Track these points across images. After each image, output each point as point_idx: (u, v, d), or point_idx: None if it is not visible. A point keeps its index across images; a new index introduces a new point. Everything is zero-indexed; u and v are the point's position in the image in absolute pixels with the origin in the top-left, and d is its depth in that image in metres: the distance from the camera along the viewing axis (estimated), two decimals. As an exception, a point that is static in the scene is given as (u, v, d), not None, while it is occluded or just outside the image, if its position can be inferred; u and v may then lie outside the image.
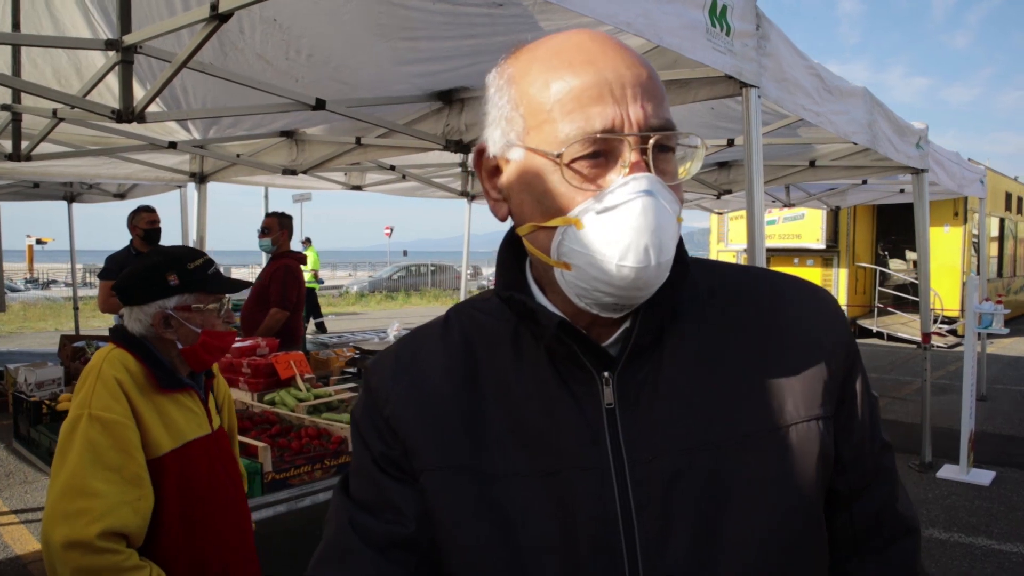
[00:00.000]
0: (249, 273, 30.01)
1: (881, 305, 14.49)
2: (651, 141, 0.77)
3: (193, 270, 1.98)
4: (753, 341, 0.87)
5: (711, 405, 0.84)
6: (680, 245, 0.86)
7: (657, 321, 0.85)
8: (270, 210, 6.03)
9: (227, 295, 2.08)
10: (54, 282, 34.00)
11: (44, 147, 4.48)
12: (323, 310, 15.78)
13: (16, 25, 3.20)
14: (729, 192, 7.85)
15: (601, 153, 0.78)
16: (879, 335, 13.78)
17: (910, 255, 15.75)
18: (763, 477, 0.82)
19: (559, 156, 0.78)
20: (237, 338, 4.56)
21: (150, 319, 1.95)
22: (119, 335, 1.97)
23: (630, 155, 0.77)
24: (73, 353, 5.48)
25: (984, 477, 5.55)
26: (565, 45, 0.81)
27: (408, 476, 0.88)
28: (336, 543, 0.90)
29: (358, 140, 4.83)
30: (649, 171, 0.77)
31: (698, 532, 0.80)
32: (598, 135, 0.76)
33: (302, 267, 5.55)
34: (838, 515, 0.92)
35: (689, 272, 0.87)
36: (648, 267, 0.77)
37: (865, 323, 14.12)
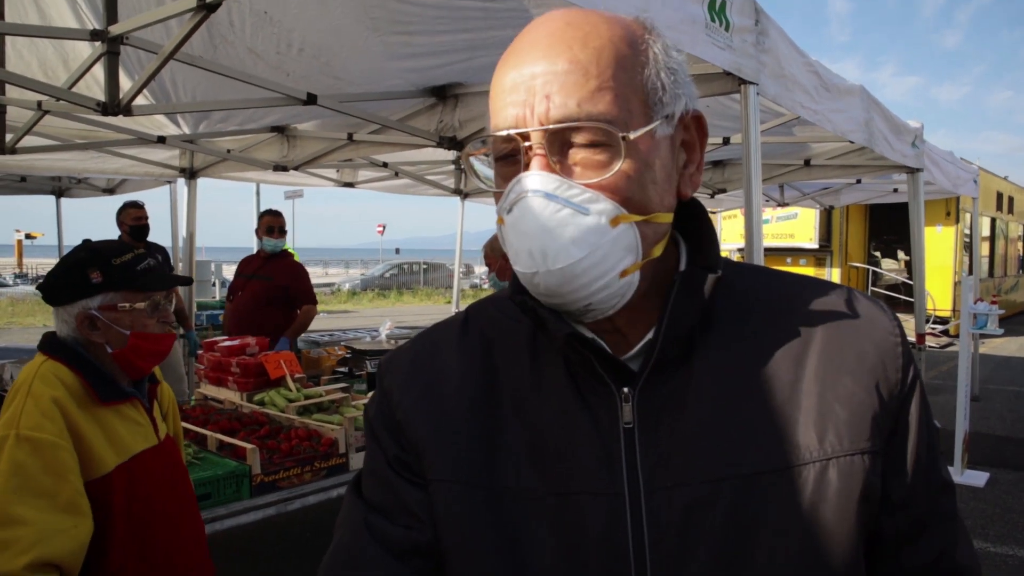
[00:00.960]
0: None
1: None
2: (537, 138, 0.72)
3: (120, 266, 1.80)
4: (795, 360, 0.78)
5: (742, 430, 0.76)
6: (710, 248, 0.81)
7: (681, 333, 0.77)
8: (263, 208, 6.06)
9: (164, 292, 1.90)
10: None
11: (31, 140, 4.41)
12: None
13: (0, 15, 3.14)
14: (724, 191, 7.81)
15: (516, 152, 0.74)
16: (871, 335, 13.79)
17: (902, 255, 15.79)
18: (795, 515, 0.74)
19: (491, 155, 0.77)
20: (228, 337, 4.51)
21: (74, 320, 1.77)
22: (50, 344, 1.79)
23: (528, 153, 0.73)
24: (60, 350, 5.40)
25: (979, 479, 5.54)
26: (522, 35, 0.77)
27: (423, 480, 0.84)
28: (351, 547, 0.85)
29: (350, 136, 4.77)
30: (547, 169, 0.72)
31: (717, 570, 0.73)
32: (502, 133, 0.74)
33: None
34: (884, 563, 0.82)
35: (721, 280, 0.80)
36: (538, 273, 0.72)
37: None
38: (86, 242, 1.92)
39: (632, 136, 0.72)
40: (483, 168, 0.81)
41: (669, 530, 0.74)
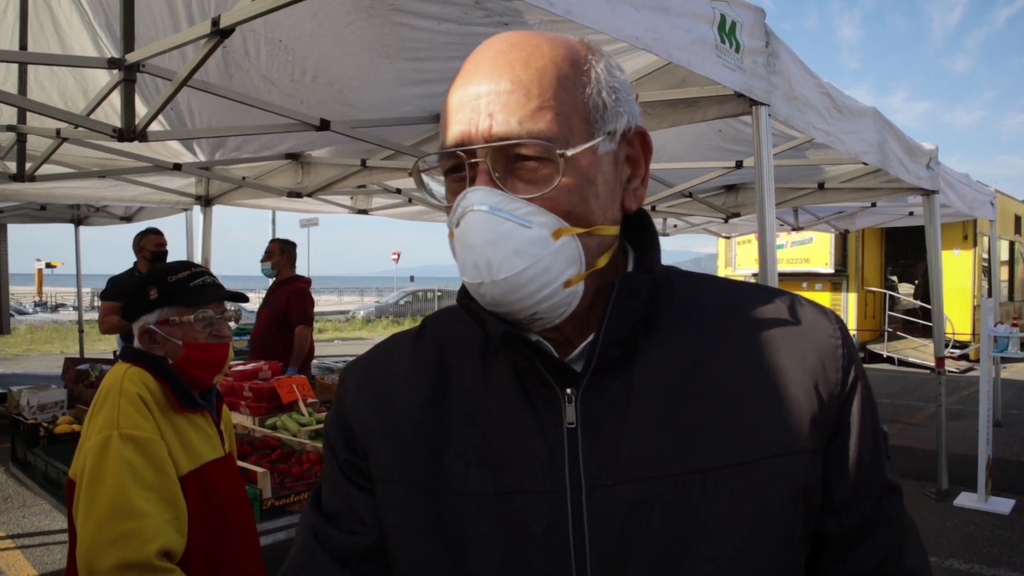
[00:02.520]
0: (256, 298, 30.09)
1: (891, 329, 14.36)
2: (481, 154, 0.75)
3: (174, 283, 1.93)
4: (736, 363, 0.80)
5: (683, 431, 0.77)
6: (649, 253, 0.84)
7: (620, 335, 0.79)
8: (276, 235, 6.18)
9: (220, 308, 2.00)
10: (62, 305, 34.20)
11: (50, 168, 4.48)
12: (330, 335, 15.89)
13: (23, 46, 3.21)
14: (737, 215, 7.80)
15: (461, 167, 0.77)
16: (889, 360, 13.64)
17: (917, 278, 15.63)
18: (734, 512, 0.75)
19: (441, 171, 0.81)
20: (242, 362, 4.52)
21: (138, 334, 1.93)
22: (134, 354, 1.93)
23: (473, 169, 0.76)
24: (77, 376, 5.44)
25: (1004, 506, 5.41)
26: (471, 57, 0.80)
27: (371, 484, 0.87)
28: (301, 554, 0.89)
29: (363, 162, 4.81)
30: (490, 184, 0.75)
31: (657, 568, 0.74)
32: (446, 150, 0.77)
33: None
34: (830, 566, 0.83)
35: (665, 286, 0.84)
36: (483, 283, 0.75)
37: (875, 348, 13.99)
38: (156, 264, 2.02)
39: (570, 153, 0.75)
40: (434, 185, 0.85)
41: (610, 528, 0.75)
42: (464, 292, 0.84)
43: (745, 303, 0.85)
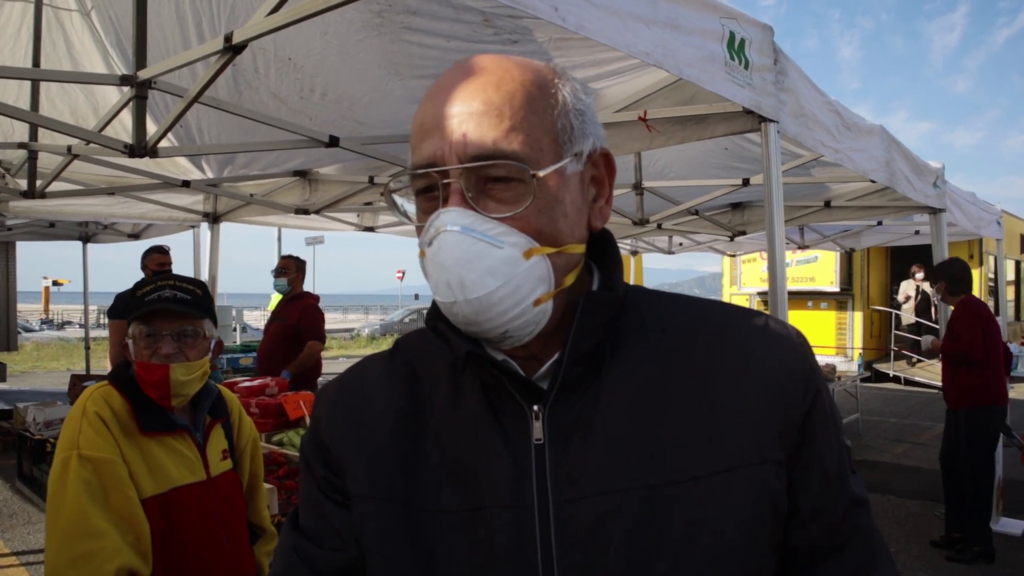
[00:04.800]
0: (262, 316, 30.15)
1: (896, 348, 14.28)
2: (454, 175, 0.75)
3: (137, 296, 1.85)
4: (699, 379, 0.81)
5: (648, 444, 0.78)
6: (612, 272, 0.85)
7: (584, 352, 0.80)
8: (283, 253, 6.25)
9: (170, 325, 1.84)
10: (69, 323, 34.28)
11: (60, 186, 4.50)
12: (335, 353, 15.90)
13: (36, 64, 3.24)
14: (743, 233, 7.78)
15: (434, 187, 0.78)
16: (896, 379, 13.56)
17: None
18: (699, 523, 0.76)
19: (412, 191, 0.81)
20: (248, 378, 4.52)
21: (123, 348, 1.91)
22: (113, 371, 1.89)
23: (446, 189, 0.77)
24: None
25: (1015, 527, 5.35)
26: (442, 79, 0.81)
27: (348, 500, 0.88)
28: (283, 572, 0.90)
29: (371, 179, 4.83)
30: (463, 204, 0.76)
31: None
32: (418, 171, 0.78)
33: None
34: None
35: (630, 304, 0.86)
36: (456, 302, 0.76)
37: (881, 367, 13.91)
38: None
39: (541, 174, 0.76)
40: (405, 204, 0.85)
41: (577, 542, 0.76)
42: (432, 313, 0.86)
43: (708, 320, 0.87)
